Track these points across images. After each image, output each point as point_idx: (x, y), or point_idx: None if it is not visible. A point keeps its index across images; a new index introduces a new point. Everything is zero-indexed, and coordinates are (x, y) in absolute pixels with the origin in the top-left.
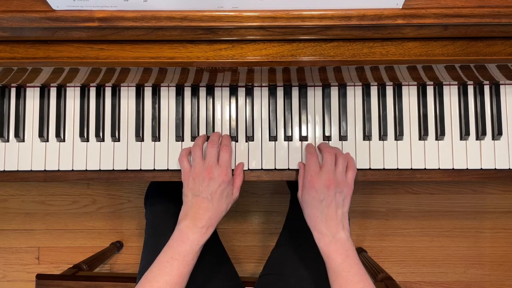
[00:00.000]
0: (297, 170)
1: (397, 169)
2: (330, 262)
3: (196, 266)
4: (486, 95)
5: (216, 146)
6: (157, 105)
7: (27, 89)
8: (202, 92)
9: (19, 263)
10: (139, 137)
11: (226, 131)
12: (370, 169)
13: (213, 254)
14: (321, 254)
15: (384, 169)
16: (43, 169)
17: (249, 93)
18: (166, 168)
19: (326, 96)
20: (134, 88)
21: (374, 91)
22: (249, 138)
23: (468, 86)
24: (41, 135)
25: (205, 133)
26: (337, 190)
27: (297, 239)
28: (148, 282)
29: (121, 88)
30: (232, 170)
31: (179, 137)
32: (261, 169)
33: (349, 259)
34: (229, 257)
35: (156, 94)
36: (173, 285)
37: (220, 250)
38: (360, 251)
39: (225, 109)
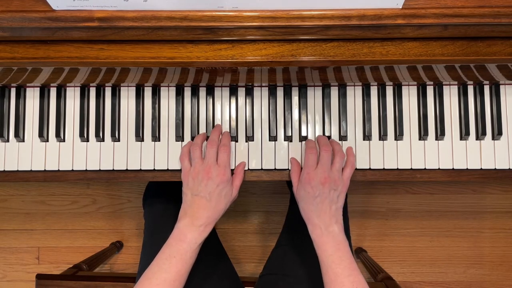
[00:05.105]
0: None
1: (397, 169)
2: (321, 253)
3: (194, 264)
4: (486, 95)
5: (216, 146)
6: (157, 105)
7: (27, 89)
8: (202, 92)
9: (19, 263)
10: (139, 137)
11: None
12: (370, 169)
13: (211, 252)
14: (314, 246)
15: (384, 169)
16: (43, 169)
17: (249, 93)
18: (166, 168)
19: (326, 96)
20: (134, 88)
21: (374, 91)
22: (249, 138)
23: (468, 86)
24: (41, 135)
25: (205, 132)
26: (332, 187)
27: (297, 239)
28: (147, 279)
29: (121, 88)
30: (233, 170)
31: (179, 137)
32: (261, 169)
33: (340, 252)
34: (229, 257)
35: (156, 94)
36: (171, 283)
37: (219, 249)
38: (360, 251)
39: (225, 109)
